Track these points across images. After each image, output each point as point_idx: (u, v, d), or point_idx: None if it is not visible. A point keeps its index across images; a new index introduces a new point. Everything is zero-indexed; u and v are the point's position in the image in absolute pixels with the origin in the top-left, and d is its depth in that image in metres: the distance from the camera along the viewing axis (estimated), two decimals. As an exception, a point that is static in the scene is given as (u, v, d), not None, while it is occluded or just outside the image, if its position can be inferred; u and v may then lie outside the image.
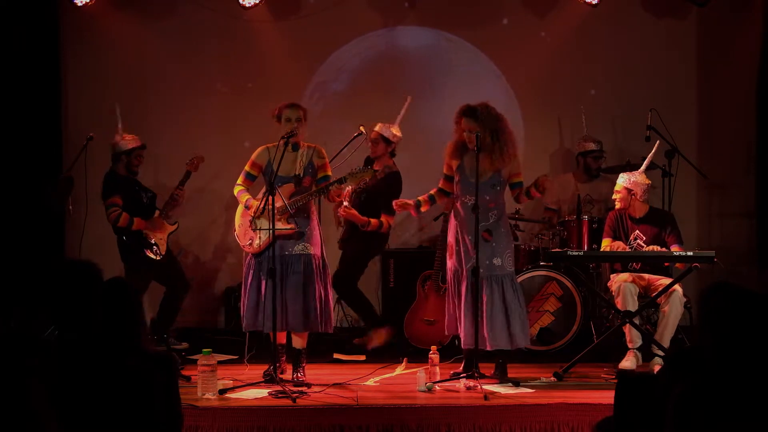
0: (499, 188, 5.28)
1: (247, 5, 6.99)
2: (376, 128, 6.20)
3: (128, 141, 6.24)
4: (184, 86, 7.28)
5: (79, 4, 6.86)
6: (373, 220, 6.08)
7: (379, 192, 6.10)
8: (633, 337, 5.48)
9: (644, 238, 5.71)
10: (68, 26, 7.12)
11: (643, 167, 5.86)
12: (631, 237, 5.74)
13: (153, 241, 6.21)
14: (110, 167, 6.27)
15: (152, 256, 6.18)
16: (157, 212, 6.30)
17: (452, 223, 5.39)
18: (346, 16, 7.30)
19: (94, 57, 7.20)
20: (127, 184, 6.25)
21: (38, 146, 6.74)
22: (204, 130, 7.30)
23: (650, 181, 5.85)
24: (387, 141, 6.19)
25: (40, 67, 6.81)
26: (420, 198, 5.48)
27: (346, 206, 5.98)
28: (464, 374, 5.20)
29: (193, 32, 7.28)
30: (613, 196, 5.88)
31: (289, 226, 5.18)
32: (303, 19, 7.33)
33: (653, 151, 6.03)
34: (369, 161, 6.30)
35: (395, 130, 6.21)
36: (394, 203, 5.54)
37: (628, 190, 5.75)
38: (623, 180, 5.81)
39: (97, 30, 7.17)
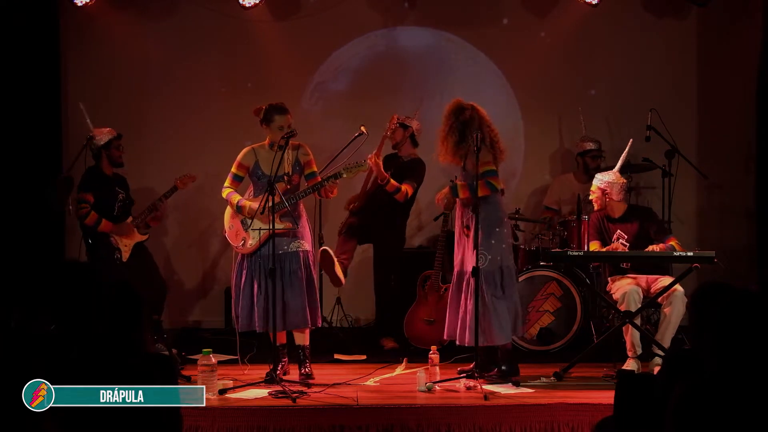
0: (473, 183, 5.18)
1: (247, 5, 6.99)
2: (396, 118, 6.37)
3: (103, 134, 6.11)
4: (184, 86, 7.28)
5: (79, 4, 6.85)
6: (393, 181, 6.15)
7: (403, 174, 6.25)
8: (634, 345, 5.44)
9: (626, 237, 5.69)
10: (68, 26, 7.11)
11: (617, 166, 5.81)
12: (614, 237, 5.71)
13: (117, 246, 6.05)
14: (95, 163, 6.17)
15: (112, 260, 5.99)
16: (130, 218, 6.15)
17: None
18: (346, 16, 7.30)
19: (94, 57, 7.20)
20: (106, 183, 6.13)
21: (38, 146, 6.74)
22: (204, 130, 7.29)
23: (625, 180, 5.79)
24: (404, 126, 6.34)
25: (41, 67, 6.80)
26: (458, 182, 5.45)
27: (375, 154, 6.05)
28: (463, 375, 5.21)
29: (193, 32, 7.27)
30: (590, 197, 5.84)
31: (284, 225, 5.20)
32: (303, 19, 7.32)
33: (626, 149, 5.94)
34: (392, 157, 6.40)
35: (412, 120, 6.40)
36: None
37: (602, 191, 5.71)
38: (597, 180, 5.77)
39: (97, 30, 7.17)
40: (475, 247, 5.10)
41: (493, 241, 5.22)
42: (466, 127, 5.23)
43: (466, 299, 5.21)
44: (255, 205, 5.20)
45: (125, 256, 6.08)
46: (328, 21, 7.27)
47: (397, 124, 6.32)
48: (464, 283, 5.25)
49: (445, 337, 5.49)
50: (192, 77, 7.27)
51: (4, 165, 6.59)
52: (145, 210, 6.22)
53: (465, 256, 5.27)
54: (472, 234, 5.19)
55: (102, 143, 6.12)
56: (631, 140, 6.04)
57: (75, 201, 6.06)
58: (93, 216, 5.99)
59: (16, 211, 6.57)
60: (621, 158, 5.90)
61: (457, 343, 5.30)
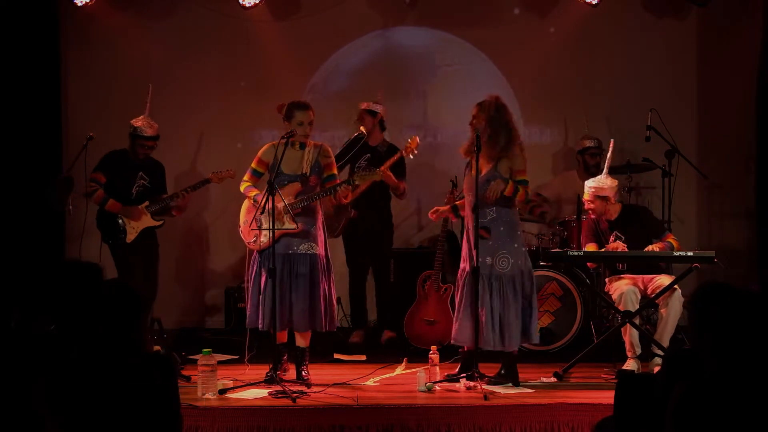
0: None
1: (247, 5, 7.00)
2: (361, 106, 6.46)
3: (138, 126, 6.03)
4: (183, 86, 7.28)
5: (79, 4, 6.86)
6: (401, 184, 6.24)
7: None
8: (633, 345, 5.43)
9: (622, 239, 5.67)
10: (68, 26, 7.12)
11: (605, 170, 5.78)
12: (610, 239, 5.68)
13: (123, 227, 5.99)
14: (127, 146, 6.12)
15: (117, 238, 6.00)
16: (145, 203, 6.08)
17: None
18: (346, 16, 7.31)
19: (95, 57, 7.21)
20: (127, 167, 6.07)
21: (38, 146, 6.74)
22: (204, 130, 7.30)
23: (617, 181, 5.77)
24: (371, 113, 6.40)
25: (41, 67, 6.81)
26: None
27: (386, 167, 5.97)
28: (462, 375, 5.19)
29: (193, 32, 7.28)
30: (586, 206, 5.77)
31: (293, 225, 5.17)
32: (303, 19, 7.33)
33: (610, 152, 5.90)
34: (357, 140, 6.36)
35: (377, 105, 6.47)
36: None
37: (601, 198, 5.64)
38: (590, 189, 5.66)
39: (97, 30, 7.18)
40: (475, 247, 5.06)
41: (515, 245, 5.15)
42: (509, 127, 5.19)
43: (491, 301, 5.07)
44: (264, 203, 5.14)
45: (131, 237, 6.02)
46: (328, 21, 7.28)
47: (364, 111, 6.39)
48: (482, 286, 5.05)
49: (452, 341, 5.32)
50: (192, 77, 7.28)
51: (4, 165, 6.60)
52: (166, 197, 6.12)
53: (480, 257, 5.07)
54: (490, 236, 5.12)
55: (130, 131, 6.06)
56: (612, 141, 6.02)
57: (88, 179, 6.04)
58: (100, 194, 5.98)
59: (17, 211, 6.57)
60: (607, 161, 5.87)
61: (484, 347, 5.09)
